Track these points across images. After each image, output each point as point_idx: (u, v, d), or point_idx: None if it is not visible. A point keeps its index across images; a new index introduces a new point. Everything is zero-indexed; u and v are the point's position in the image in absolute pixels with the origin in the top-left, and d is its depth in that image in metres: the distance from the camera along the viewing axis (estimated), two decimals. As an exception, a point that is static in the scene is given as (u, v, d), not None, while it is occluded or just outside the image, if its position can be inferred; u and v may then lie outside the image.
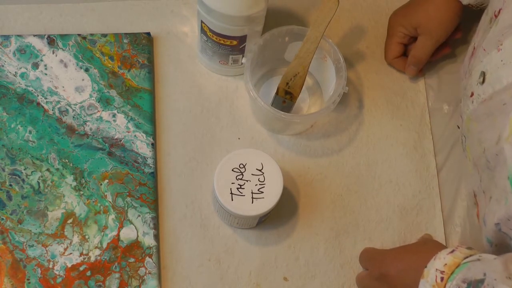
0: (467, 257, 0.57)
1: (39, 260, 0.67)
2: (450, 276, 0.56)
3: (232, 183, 0.64)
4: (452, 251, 0.58)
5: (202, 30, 0.71)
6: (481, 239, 0.62)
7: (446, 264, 0.57)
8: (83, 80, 0.75)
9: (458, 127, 0.74)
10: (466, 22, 0.78)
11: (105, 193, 0.70)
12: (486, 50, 0.61)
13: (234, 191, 0.64)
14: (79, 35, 0.77)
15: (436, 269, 0.57)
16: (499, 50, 0.57)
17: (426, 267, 0.58)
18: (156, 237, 0.69)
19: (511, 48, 0.56)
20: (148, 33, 0.78)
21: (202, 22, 0.69)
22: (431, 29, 0.74)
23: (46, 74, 0.75)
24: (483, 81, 0.59)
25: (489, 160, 0.58)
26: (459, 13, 0.74)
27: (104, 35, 0.77)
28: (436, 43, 0.75)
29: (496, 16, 0.61)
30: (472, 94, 0.62)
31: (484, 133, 0.59)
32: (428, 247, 0.64)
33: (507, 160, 0.53)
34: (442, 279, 0.56)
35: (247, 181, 0.65)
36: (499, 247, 0.58)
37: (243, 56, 0.73)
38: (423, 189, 0.75)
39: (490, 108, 0.59)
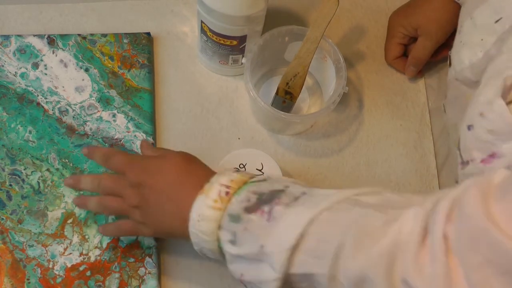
0: (253, 177, 0.55)
1: (39, 260, 0.67)
2: (237, 190, 0.53)
3: (232, 183, 0.64)
4: (238, 171, 0.56)
5: (202, 30, 0.71)
6: None
7: (233, 180, 0.54)
8: (83, 80, 0.75)
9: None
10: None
11: (105, 193, 0.70)
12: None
13: (234, 191, 0.64)
14: (79, 35, 0.77)
15: (221, 184, 0.54)
16: (459, 32, 0.58)
17: (208, 182, 0.55)
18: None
19: (469, 29, 0.57)
20: (148, 33, 0.78)
21: (202, 22, 0.69)
22: (431, 30, 0.74)
23: (46, 74, 0.75)
24: (450, 64, 0.60)
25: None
26: (458, 14, 0.74)
27: (104, 35, 0.77)
28: (435, 44, 0.76)
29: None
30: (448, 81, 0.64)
31: (458, 117, 0.60)
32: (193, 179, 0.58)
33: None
34: (227, 193, 0.53)
35: (247, 181, 0.64)
36: None
37: (243, 56, 0.73)
38: (423, 189, 0.75)
39: (456, 92, 0.60)
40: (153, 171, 0.59)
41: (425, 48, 0.76)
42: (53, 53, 0.75)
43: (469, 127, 0.51)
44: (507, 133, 0.48)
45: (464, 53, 0.57)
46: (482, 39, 0.55)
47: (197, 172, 0.59)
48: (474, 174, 0.51)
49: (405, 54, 0.79)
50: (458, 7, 0.73)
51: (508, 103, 0.47)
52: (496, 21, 0.53)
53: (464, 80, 0.58)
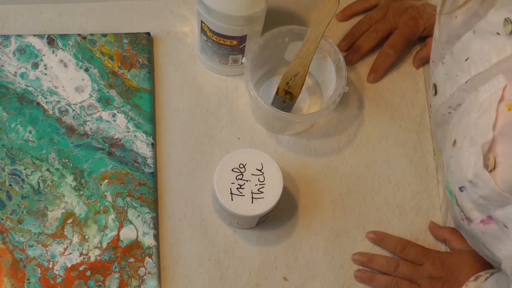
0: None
1: (39, 260, 0.67)
2: None
3: (232, 183, 0.64)
4: (477, 278, 0.61)
5: (202, 30, 0.71)
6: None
7: None
8: (83, 80, 0.75)
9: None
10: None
11: (105, 193, 0.70)
12: (435, 62, 0.63)
13: (234, 191, 0.64)
14: (79, 35, 0.77)
15: None
16: (443, 63, 0.59)
17: None
18: (156, 237, 0.69)
19: (450, 64, 0.57)
20: (148, 33, 0.78)
21: (202, 22, 0.69)
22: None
23: (46, 74, 0.75)
24: (435, 93, 0.61)
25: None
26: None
27: (104, 35, 0.77)
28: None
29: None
30: (430, 105, 0.64)
31: (441, 142, 0.61)
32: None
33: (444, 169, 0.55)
34: None
35: (247, 181, 0.65)
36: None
37: (243, 56, 0.73)
38: (422, 189, 0.75)
39: (437, 119, 0.60)
40: (454, 268, 0.66)
41: (389, 56, 0.78)
42: (53, 53, 0.75)
43: (461, 189, 0.52)
44: (497, 201, 0.48)
45: (448, 86, 0.58)
46: (456, 75, 0.55)
47: None
48: (481, 234, 0.52)
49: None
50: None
51: (491, 171, 0.48)
52: (465, 60, 0.54)
53: (446, 110, 0.59)
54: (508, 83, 0.48)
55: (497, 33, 0.49)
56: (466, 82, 0.53)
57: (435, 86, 0.62)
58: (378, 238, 0.72)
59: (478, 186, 0.49)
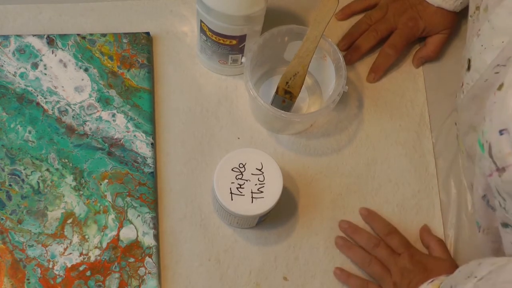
0: (442, 281, 0.59)
1: (39, 260, 0.67)
2: None
3: (232, 182, 0.64)
4: (432, 281, 0.61)
5: (202, 30, 0.71)
6: (476, 236, 0.63)
7: None
8: (82, 80, 0.75)
9: (456, 124, 0.74)
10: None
11: (105, 193, 0.70)
12: (470, 38, 0.62)
13: (234, 190, 0.64)
14: (78, 35, 0.77)
15: None
16: (478, 35, 0.58)
17: None
18: (156, 237, 0.69)
19: (488, 32, 0.57)
20: (148, 33, 0.78)
21: (201, 21, 0.69)
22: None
23: (45, 74, 0.75)
24: (469, 68, 0.60)
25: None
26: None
27: (104, 35, 0.77)
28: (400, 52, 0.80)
29: (478, 9, 0.62)
30: (462, 84, 0.63)
31: (474, 118, 0.59)
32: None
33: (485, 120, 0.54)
34: None
35: (246, 180, 0.65)
36: (486, 231, 0.60)
37: (242, 56, 0.73)
38: (422, 188, 0.75)
39: (475, 91, 0.59)
40: (428, 268, 0.67)
41: (390, 56, 0.79)
42: (52, 53, 0.75)
43: (502, 132, 0.50)
44: None
45: (487, 56, 0.57)
46: (503, 41, 0.55)
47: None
48: None
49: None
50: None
51: None
52: None
53: (487, 80, 0.58)
54: None
55: None
56: None
57: (469, 61, 0.61)
58: (370, 216, 0.72)
59: None
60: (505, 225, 0.54)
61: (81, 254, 0.68)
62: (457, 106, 0.67)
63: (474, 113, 0.60)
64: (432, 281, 0.61)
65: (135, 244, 0.69)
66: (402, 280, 0.66)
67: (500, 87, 0.51)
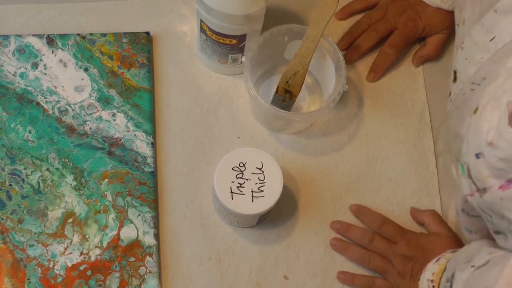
0: (449, 260, 0.61)
1: (39, 259, 0.67)
2: (439, 282, 0.60)
3: (232, 182, 0.64)
4: (438, 259, 0.62)
5: (202, 29, 0.71)
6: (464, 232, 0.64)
7: (434, 273, 0.61)
8: (82, 79, 0.75)
9: None
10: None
11: (105, 193, 0.70)
12: (456, 49, 0.63)
13: (234, 190, 0.64)
14: (78, 34, 0.77)
15: (427, 280, 0.62)
16: (462, 48, 0.59)
17: (419, 279, 0.63)
18: (156, 236, 0.69)
19: (470, 46, 0.58)
20: (148, 33, 0.78)
21: (201, 21, 0.69)
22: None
23: (45, 74, 0.75)
24: (455, 79, 0.61)
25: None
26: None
27: (104, 35, 0.77)
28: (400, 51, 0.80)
29: (461, 20, 0.64)
30: (450, 93, 0.64)
31: (458, 128, 0.60)
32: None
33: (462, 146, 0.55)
34: (433, 287, 0.61)
35: (247, 179, 0.65)
36: (478, 233, 0.60)
37: (242, 55, 0.73)
38: (423, 187, 0.75)
39: (457, 103, 0.60)
40: (427, 248, 0.66)
41: (390, 55, 0.79)
42: (52, 53, 0.75)
43: (478, 156, 0.51)
44: None
45: (471, 69, 0.58)
46: (482, 57, 0.55)
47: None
48: (493, 204, 0.52)
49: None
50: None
51: None
52: (491, 40, 0.54)
53: (465, 94, 0.59)
54: None
55: None
56: (494, 54, 0.53)
57: (455, 72, 0.62)
58: (360, 211, 0.72)
59: (498, 147, 0.48)
60: (497, 232, 0.55)
61: (81, 253, 0.68)
62: (447, 113, 0.68)
63: (458, 124, 0.61)
64: (437, 259, 0.62)
65: (136, 244, 0.69)
66: (404, 268, 0.66)
67: (475, 110, 0.52)
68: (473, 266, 0.54)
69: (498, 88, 0.50)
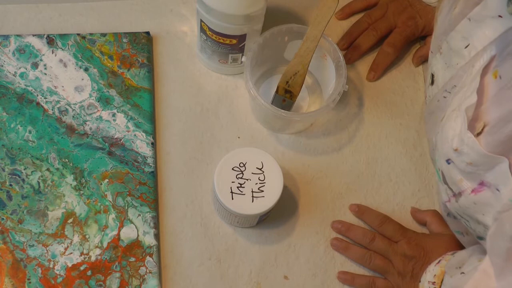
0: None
1: (39, 260, 0.67)
2: (440, 285, 0.60)
3: (232, 182, 0.64)
4: (439, 261, 0.62)
5: (202, 29, 0.71)
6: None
7: (435, 275, 0.61)
8: (82, 79, 0.75)
9: None
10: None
11: (105, 193, 0.70)
12: (433, 52, 0.63)
13: (234, 190, 0.64)
14: (78, 34, 0.77)
15: (428, 282, 0.61)
16: (441, 53, 0.59)
17: (420, 281, 0.63)
18: (157, 236, 0.69)
19: (447, 52, 0.58)
20: (148, 33, 0.78)
21: (201, 21, 0.69)
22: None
23: (45, 74, 0.75)
24: (432, 83, 0.61)
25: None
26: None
27: (104, 35, 0.77)
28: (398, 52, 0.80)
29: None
30: (425, 97, 0.65)
31: (431, 133, 0.61)
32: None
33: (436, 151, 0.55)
34: None
35: (247, 180, 0.65)
36: (469, 234, 0.61)
37: (242, 55, 0.73)
38: (423, 187, 0.75)
39: (431, 108, 0.61)
40: (428, 249, 0.66)
41: (388, 54, 0.79)
42: (52, 52, 0.75)
43: (448, 161, 0.52)
44: (484, 163, 0.48)
45: (447, 73, 0.59)
46: (457, 63, 0.56)
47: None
48: (468, 209, 0.53)
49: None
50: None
51: (477, 135, 0.48)
52: (466, 47, 0.54)
53: (441, 95, 0.60)
54: (497, 52, 0.49)
55: (499, 16, 0.49)
56: (467, 62, 0.54)
57: (432, 76, 0.62)
58: (360, 210, 0.72)
59: (463, 153, 0.49)
60: (480, 237, 0.55)
61: (81, 253, 0.68)
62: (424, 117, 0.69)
63: (432, 130, 0.62)
64: (439, 261, 0.62)
65: (136, 244, 0.69)
66: (405, 268, 0.66)
67: (443, 118, 0.53)
68: (462, 272, 0.55)
69: (462, 96, 0.51)
